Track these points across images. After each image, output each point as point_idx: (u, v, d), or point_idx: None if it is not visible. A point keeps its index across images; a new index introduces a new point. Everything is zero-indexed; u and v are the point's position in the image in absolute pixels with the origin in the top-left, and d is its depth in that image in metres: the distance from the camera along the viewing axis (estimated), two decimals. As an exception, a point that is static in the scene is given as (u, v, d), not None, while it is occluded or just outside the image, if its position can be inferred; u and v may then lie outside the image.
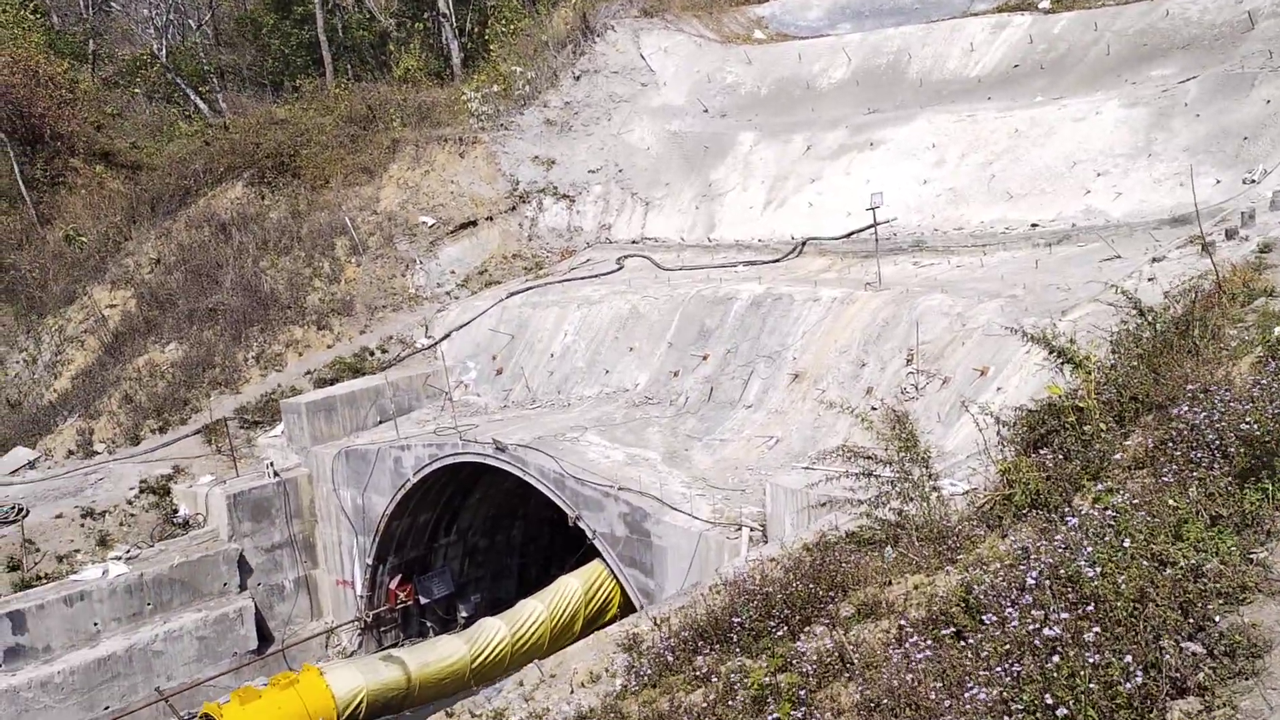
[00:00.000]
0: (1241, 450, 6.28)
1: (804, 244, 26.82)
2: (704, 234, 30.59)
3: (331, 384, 26.87)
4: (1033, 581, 5.32)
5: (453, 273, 30.22)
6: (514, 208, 32.25)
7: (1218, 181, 21.88)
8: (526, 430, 21.91)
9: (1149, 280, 16.42)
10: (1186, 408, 7.38)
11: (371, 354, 27.88)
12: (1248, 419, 6.51)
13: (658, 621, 10.05)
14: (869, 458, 11.42)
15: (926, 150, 27.80)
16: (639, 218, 32.52)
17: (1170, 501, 5.86)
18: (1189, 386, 7.95)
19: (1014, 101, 28.02)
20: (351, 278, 29.87)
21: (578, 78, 35.73)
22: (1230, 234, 17.06)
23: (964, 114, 27.99)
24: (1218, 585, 4.92)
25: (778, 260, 26.72)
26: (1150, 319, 9.81)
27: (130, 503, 24.47)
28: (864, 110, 31.13)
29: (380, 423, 25.77)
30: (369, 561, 24.41)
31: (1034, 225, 23.68)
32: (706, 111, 34.62)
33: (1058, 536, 5.85)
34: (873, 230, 23.95)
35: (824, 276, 24.43)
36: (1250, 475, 6.06)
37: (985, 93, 29.77)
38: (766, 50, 36.26)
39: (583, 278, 28.61)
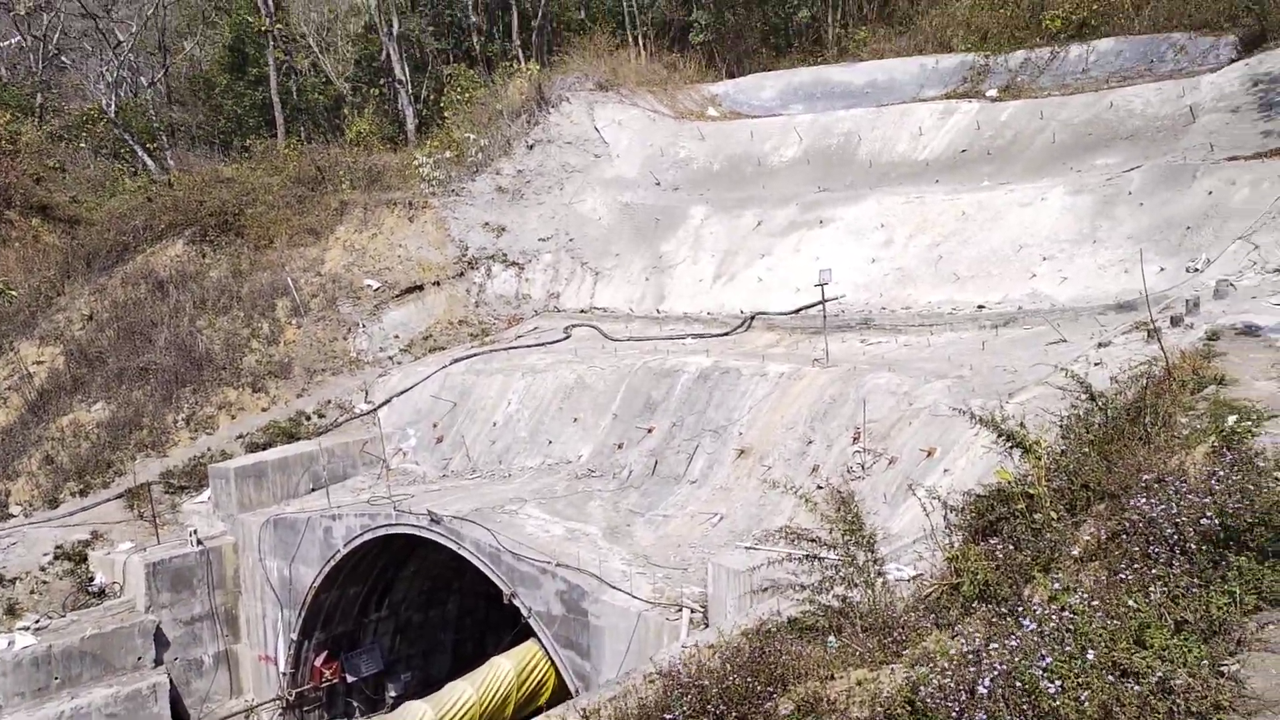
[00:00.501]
0: (1203, 548, 5.93)
1: (753, 318, 26.65)
2: (653, 305, 30.36)
3: (264, 448, 25.93)
4: (985, 690, 4.87)
5: (396, 337, 29.61)
6: (462, 274, 31.83)
7: (1161, 269, 22.12)
8: (464, 501, 21.20)
9: (1095, 365, 16.34)
10: (1143, 499, 7.04)
11: (308, 418, 27.03)
12: (1208, 512, 6.17)
13: (587, 714, 9.42)
14: (812, 540, 10.99)
15: (875, 230, 27.95)
16: (588, 287, 32.25)
17: (1130, 602, 5.46)
18: (1143, 476, 7.65)
19: (961, 185, 28.36)
20: (291, 340, 29.11)
21: (531, 147, 35.70)
22: (1176, 321, 17.10)
23: (912, 196, 28.25)
24: (1188, 703, 4.50)
25: (726, 334, 26.50)
26: (1101, 404, 9.56)
27: (43, 569, 23.20)
28: (814, 189, 31.35)
29: (313, 490, 24.85)
30: (294, 636, 23.30)
31: (980, 307, 23.74)
32: (659, 184, 34.69)
33: (1011, 640, 5.41)
34: (821, 307, 23.90)
35: (772, 351, 24.20)
36: (1215, 576, 5.70)
37: (933, 176, 30.14)
38: (720, 127, 36.57)
39: (529, 346, 28.14)
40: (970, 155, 30.51)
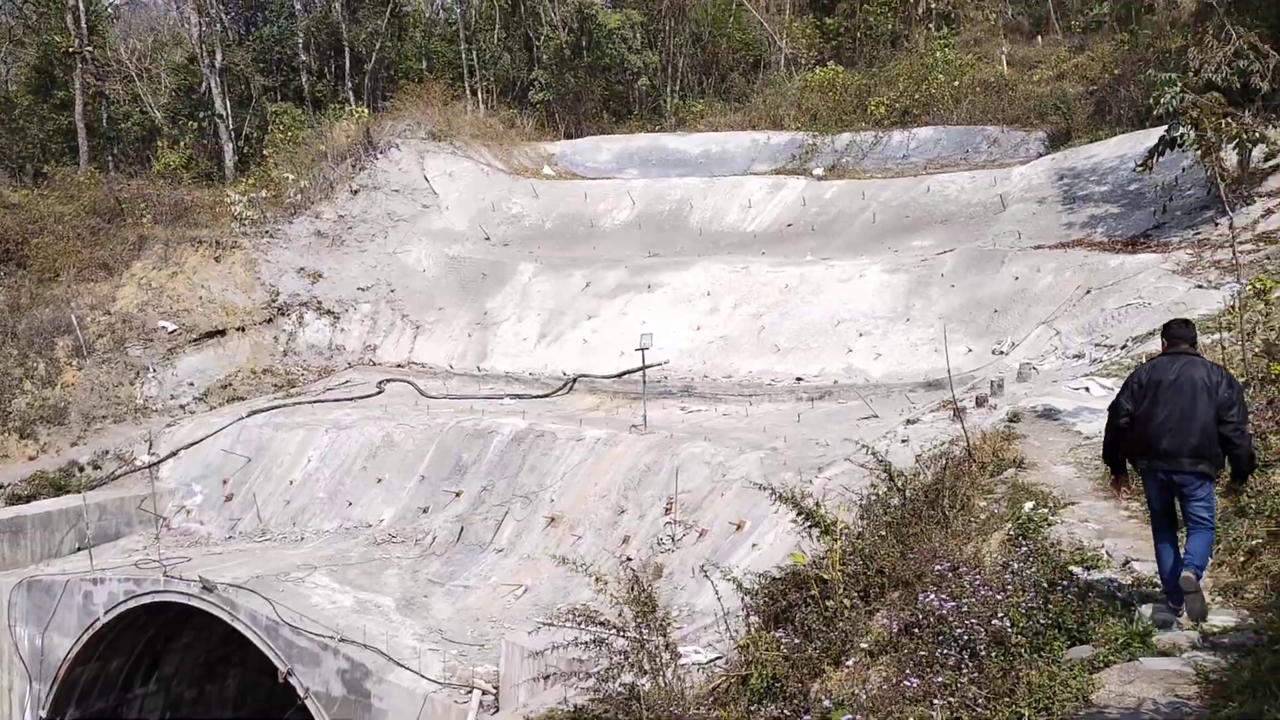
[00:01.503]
0: (993, 654, 5.39)
1: (575, 381, 25.92)
2: (475, 363, 29.25)
3: (27, 501, 23.33)
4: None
5: (191, 385, 27.41)
6: (271, 320, 29.92)
7: (970, 350, 22.64)
8: (247, 566, 19.40)
9: (902, 442, 16.27)
10: (934, 594, 6.50)
11: (81, 470, 24.52)
12: (1000, 611, 5.65)
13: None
14: (601, 622, 10.14)
15: (702, 297, 27.83)
16: (408, 341, 30.89)
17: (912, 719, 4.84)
18: (937, 565, 7.15)
19: (786, 259, 28.65)
20: (70, 382, 26.53)
21: (355, 192, 34.28)
22: (981, 401, 17.29)
23: (739, 266, 28.34)
24: None
25: (547, 395, 25.64)
26: (900, 484, 9.15)
27: None
28: (645, 253, 31.14)
29: (79, 549, 22.40)
30: (42, 714, 20.70)
31: (799, 379, 23.74)
32: (489, 239, 33.83)
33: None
34: (641, 370, 23.42)
35: (592, 415, 23.48)
36: (1004, 688, 5.16)
37: (761, 247, 30.44)
38: (554, 186, 36.15)
39: (337, 400, 26.50)
40: (796, 230, 30.99)
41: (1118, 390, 6.88)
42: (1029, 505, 8.28)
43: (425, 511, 21.61)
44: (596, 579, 9.94)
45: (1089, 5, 43.06)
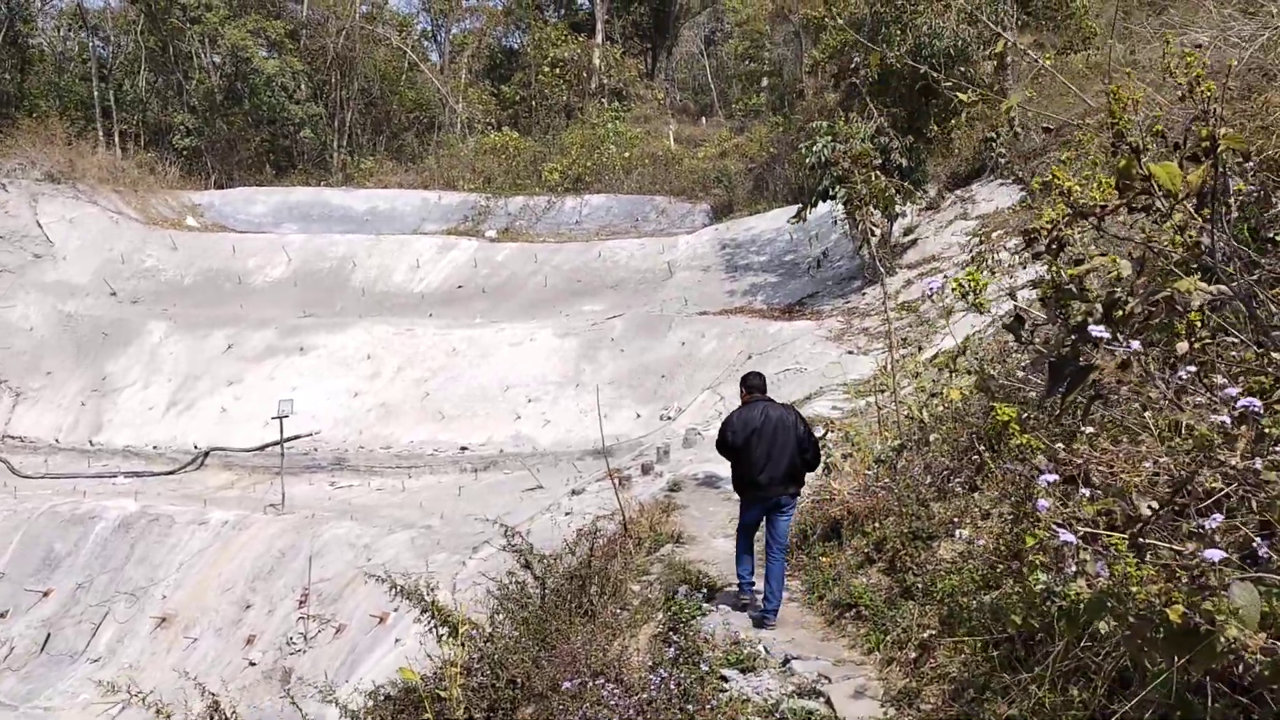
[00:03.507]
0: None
1: (207, 455, 22.76)
2: (88, 435, 25.12)
3: None
4: None
5: None
6: None
7: (638, 415, 22.07)
8: None
9: (566, 514, 15.08)
10: (564, 713, 5.05)
11: None
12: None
13: None
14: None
15: (362, 361, 25.61)
16: (5, 410, 26.11)
17: None
18: (572, 679, 5.72)
19: (455, 321, 27.12)
20: None
21: (-55, 235, 29.04)
22: (647, 469, 16.50)
23: (404, 327, 26.43)
24: None
25: (172, 472, 22.31)
26: (539, 572, 7.72)
27: None
28: (300, 313, 28.46)
29: None
30: None
31: (464, 448, 22.12)
32: (115, 295, 29.71)
33: None
34: (289, 442, 20.94)
35: (224, 495, 20.56)
36: None
37: (429, 309, 28.75)
38: (198, 238, 32.59)
39: (-103, 483, 21.62)
40: (467, 291, 29.61)
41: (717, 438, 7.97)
42: (683, 591, 7.13)
43: (3, 616, 17.71)
44: (157, 708, 7.71)
45: (748, 95, 45.65)
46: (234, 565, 17.10)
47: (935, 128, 24.89)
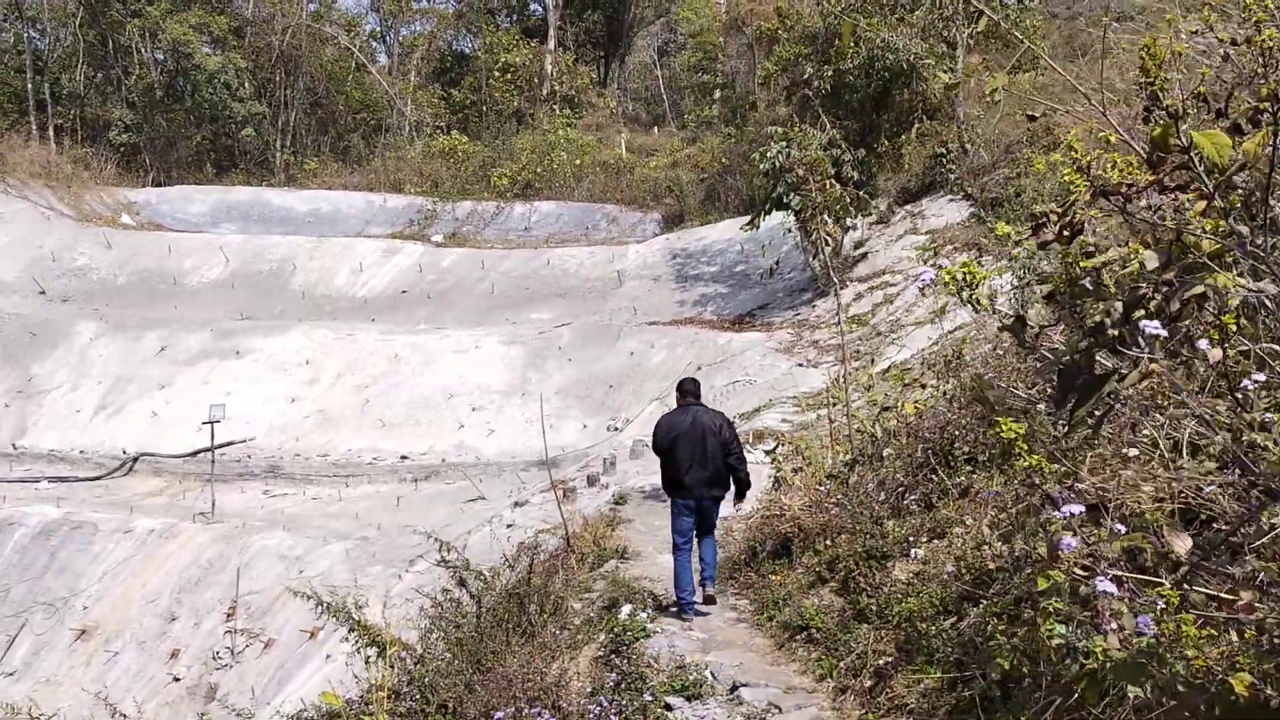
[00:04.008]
0: None
1: (136, 460, 21.93)
2: (11, 438, 24.06)
3: None
4: None
5: None
6: None
7: (585, 426, 21.69)
8: None
9: (508, 527, 14.66)
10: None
11: None
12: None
13: None
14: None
15: (300, 366, 24.91)
16: (-78, 412, 24.99)
17: None
18: (506, 706, 5.35)
19: (399, 326, 26.54)
20: None
21: None
22: (592, 480, 16.17)
23: (345, 332, 25.79)
24: None
25: (99, 478, 21.43)
26: (475, 591, 7.32)
27: None
28: (237, 315, 27.69)
29: None
30: None
31: (404, 457, 21.57)
32: (44, 294, 28.73)
33: None
34: (222, 448, 20.28)
35: (152, 502, 19.78)
36: None
37: (372, 313, 28.15)
38: (133, 237, 31.64)
39: None
40: (411, 297, 29.03)
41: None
42: (626, 611, 6.77)
43: (-90, 629, 16.80)
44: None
45: (700, 106, 45.52)
46: (159, 576, 16.40)
47: (886, 142, 24.91)
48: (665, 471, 7.86)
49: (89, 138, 39.60)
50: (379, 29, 54.27)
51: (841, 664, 5.29)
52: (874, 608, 5.50)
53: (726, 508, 8.39)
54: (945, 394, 7.25)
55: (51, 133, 38.27)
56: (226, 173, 40.01)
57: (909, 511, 6.32)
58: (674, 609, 7.36)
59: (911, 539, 5.87)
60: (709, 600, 7.48)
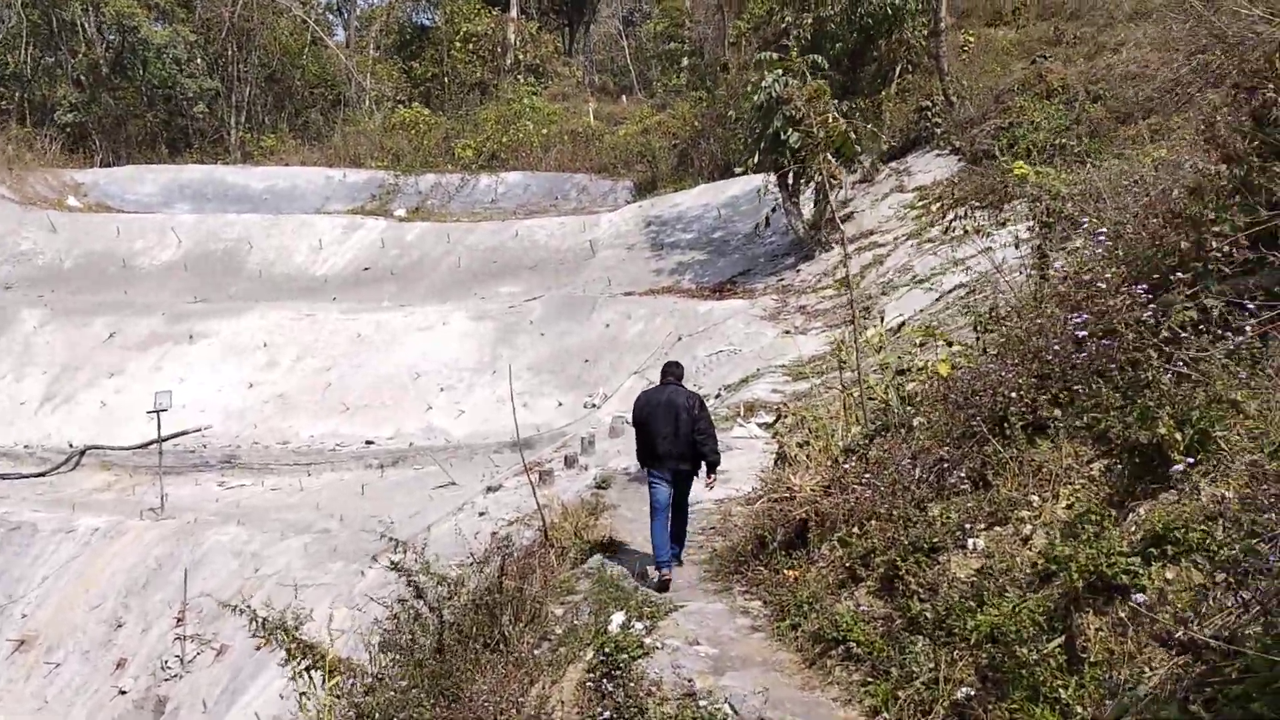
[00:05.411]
0: None
1: (83, 454, 20.57)
2: (-51, 435, 22.65)
3: None
4: None
5: None
6: None
7: (560, 403, 20.56)
8: None
9: (480, 515, 13.54)
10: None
11: None
12: None
13: None
14: None
15: (258, 349, 23.57)
16: None
17: None
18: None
19: (361, 305, 25.24)
20: None
21: None
22: (570, 462, 15.05)
23: (304, 313, 24.44)
24: None
25: (43, 474, 20.07)
26: (433, 601, 6.16)
27: None
28: (191, 298, 26.28)
29: None
30: None
31: (369, 442, 20.34)
32: (-15, 281, 27.12)
33: None
34: (175, 438, 19.04)
35: (99, 498, 18.47)
36: None
37: (333, 292, 26.80)
38: (80, 219, 30.04)
39: None
40: (374, 273, 27.70)
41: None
42: (618, 620, 5.65)
43: None
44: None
45: (668, 75, 44.02)
46: (105, 578, 15.14)
47: (865, 101, 23.74)
48: (640, 443, 8.18)
49: (37, 121, 37.73)
50: (335, 1, 52.41)
51: (902, 694, 4.16)
52: (930, 616, 4.40)
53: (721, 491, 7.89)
54: (987, 350, 6.16)
55: (-4, 115, 36.41)
56: (180, 153, 38.32)
57: (956, 491, 5.23)
58: (652, 569, 7.56)
59: (968, 526, 4.79)
60: (677, 561, 7.89)
